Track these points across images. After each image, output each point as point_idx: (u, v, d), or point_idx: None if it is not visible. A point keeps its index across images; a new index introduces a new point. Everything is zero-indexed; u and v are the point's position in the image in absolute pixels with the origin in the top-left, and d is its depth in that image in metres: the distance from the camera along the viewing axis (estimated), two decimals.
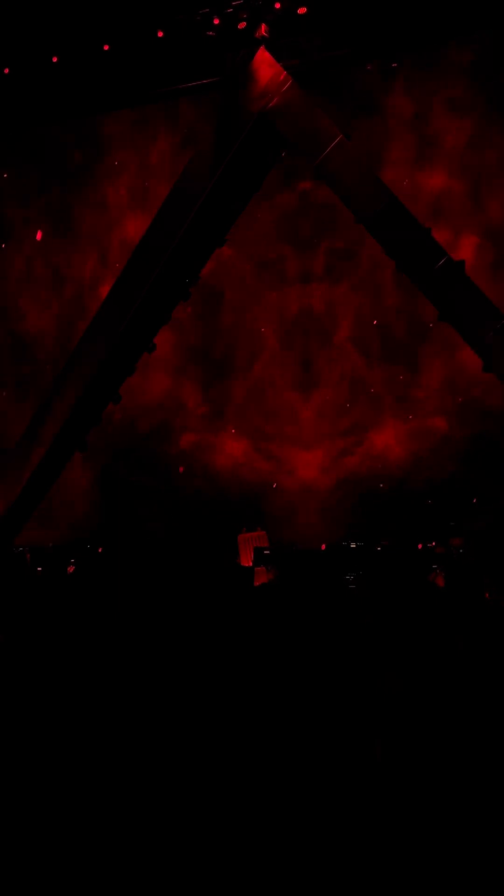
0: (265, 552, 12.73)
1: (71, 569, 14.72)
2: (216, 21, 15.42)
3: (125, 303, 16.67)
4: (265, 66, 15.61)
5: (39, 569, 14.57)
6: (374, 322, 19.84)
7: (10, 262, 19.71)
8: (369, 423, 19.42)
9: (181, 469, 20.07)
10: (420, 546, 13.11)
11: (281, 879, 3.14)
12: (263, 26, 15.44)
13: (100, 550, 17.27)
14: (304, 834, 3.18)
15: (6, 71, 15.96)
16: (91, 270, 19.55)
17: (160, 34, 15.56)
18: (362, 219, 15.27)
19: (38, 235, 19.45)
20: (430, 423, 18.51)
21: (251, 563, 13.42)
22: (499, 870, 3.39)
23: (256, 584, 12.17)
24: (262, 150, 16.25)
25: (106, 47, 15.66)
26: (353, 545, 10.07)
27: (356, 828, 3.25)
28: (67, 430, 17.08)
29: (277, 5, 14.95)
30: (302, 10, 14.87)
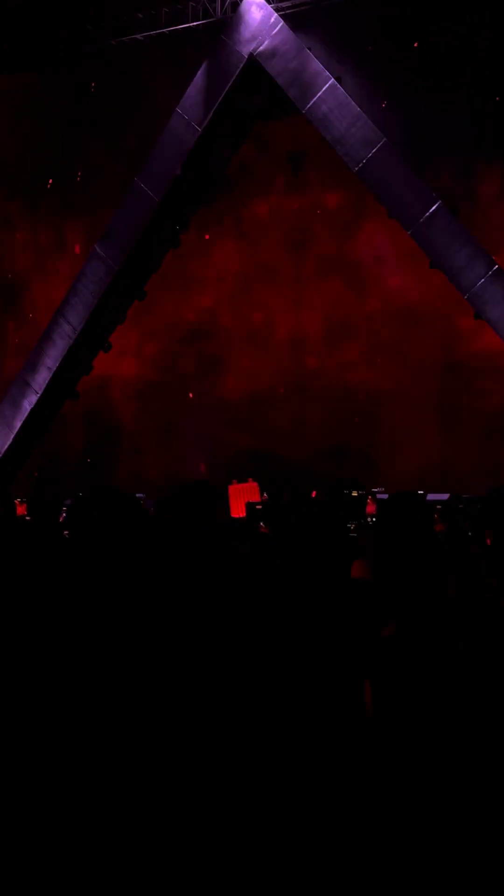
0: (257, 507, 12.59)
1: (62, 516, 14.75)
2: None
3: (115, 250, 16.61)
4: (256, 8, 15.46)
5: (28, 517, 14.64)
6: None
7: None
8: None
9: None
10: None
11: (281, 878, 3.20)
12: None
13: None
14: (302, 831, 3.23)
15: None
16: None
17: None
18: (353, 164, 15.19)
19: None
20: None
21: (242, 515, 13.34)
22: (499, 869, 3.46)
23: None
24: (253, 94, 16.10)
25: None
26: (354, 493, 10.00)
27: (355, 825, 3.31)
28: (58, 379, 17.11)
29: None
30: None
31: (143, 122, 17.14)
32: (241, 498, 13.90)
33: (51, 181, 19.45)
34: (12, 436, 17.03)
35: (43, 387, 16.98)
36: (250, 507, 12.60)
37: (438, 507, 10.32)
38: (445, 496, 12.77)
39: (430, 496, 13.55)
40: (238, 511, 13.62)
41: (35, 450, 17.78)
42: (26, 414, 17.01)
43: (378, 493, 13.27)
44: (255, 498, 14.10)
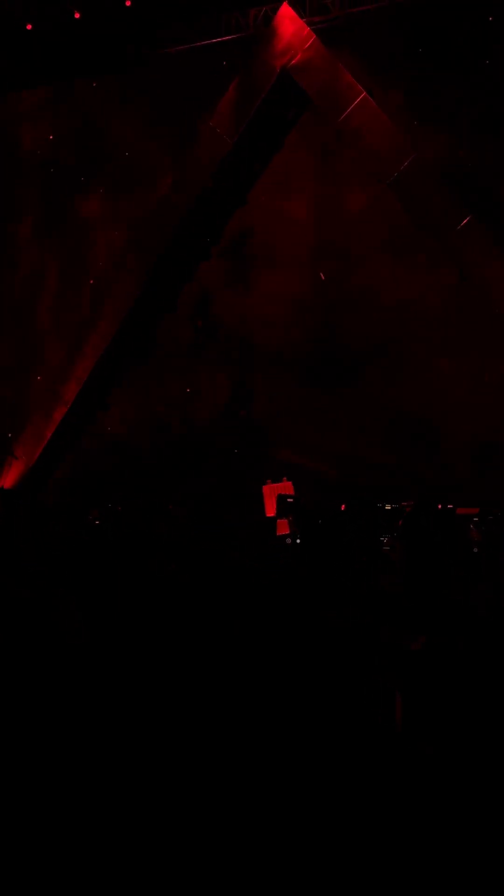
0: (289, 500, 12.50)
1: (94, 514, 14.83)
2: None
3: (145, 262, 16.71)
4: (288, 21, 15.55)
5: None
6: None
7: None
8: None
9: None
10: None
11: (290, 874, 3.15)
12: None
13: (119, 509, 17.36)
14: (329, 839, 3.18)
15: (28, 27, 15.87)
16: None
17: None
18: (384, 178, 15.20)
19: None
20: None
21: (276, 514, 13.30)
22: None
23: (279, 533, 12.14)
24: (285, 107, 16.16)
25: (128, 3, 15.53)
26: (387, 507, 9.86)
27: (357, 823, 3.26)
28: (88, 390, 17.20)
29: None
30: None
31: (175, 135, 17.19)
32: (276, 497, 13.83)
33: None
34: (42, 445, 17.15)
35: (73, 398, 17.09)
36: (281, 499, 12.58)
37: (476, 519, 10.20)
38: (475, 509, 12.66)
39: (460, 510, 13.46)
40: (273, 510, 13.58)
41: (66, 459, 17.85)
42: (56, 424, 17.13)
43: (408, 506, 13.18)
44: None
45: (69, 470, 17.96)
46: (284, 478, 14.59)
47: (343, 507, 15.19)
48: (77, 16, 15.61)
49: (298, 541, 12.04)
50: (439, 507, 13.36)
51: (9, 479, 17.34)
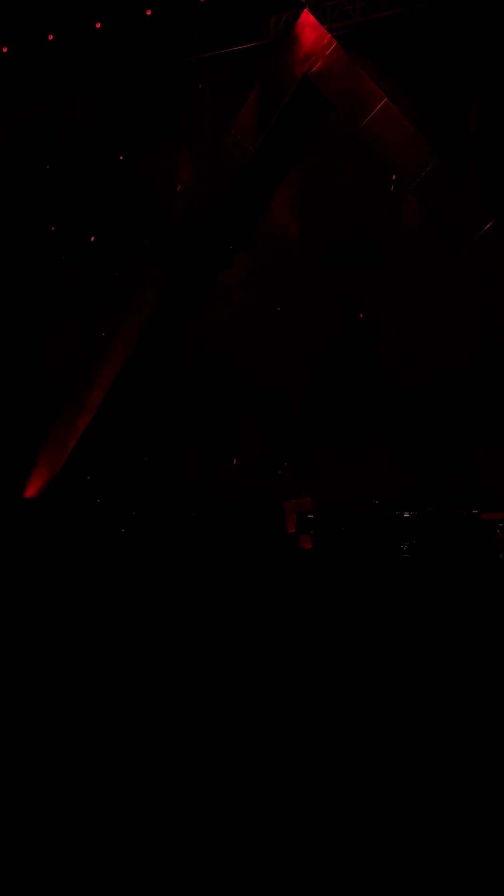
0: (309, 516, 12.56)
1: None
2: None
3: (168, 269, 16.75)
4: (309, 28, 15.55)
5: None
6: None
7: None
8: None
9: None
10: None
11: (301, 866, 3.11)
12: None
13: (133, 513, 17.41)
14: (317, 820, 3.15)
15: (50, 37, 15.94)
16: None
17: None
18: (406, 183, 15.16)
19: None
20: None
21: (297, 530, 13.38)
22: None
23: (300, 547, 12.16)
24: (306, 114, 16.15)
25: (148, 12, 15.58)
26: (405, 514, 9.88)
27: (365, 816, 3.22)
28: (112, 398, 17.22)
29: None
30: None
31: (196, 143, 17.22)
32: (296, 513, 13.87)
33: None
34: (67, 453, 17.17)
35: (97, 406, 17.12)
36: (301, 515, 12.62)
37: (501, 524, 10.17)
38: (501, 514, 12.58)
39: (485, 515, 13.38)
40: (293, 527, 13.63)
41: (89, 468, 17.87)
42: (80, 433, 17.16)
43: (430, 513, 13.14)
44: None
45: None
46: (305, 493, 14.60)
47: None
48: (98, 26, 15.67)
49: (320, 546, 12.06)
50: (462, 513, 13.33)
51: (32, 488, 17.39)
